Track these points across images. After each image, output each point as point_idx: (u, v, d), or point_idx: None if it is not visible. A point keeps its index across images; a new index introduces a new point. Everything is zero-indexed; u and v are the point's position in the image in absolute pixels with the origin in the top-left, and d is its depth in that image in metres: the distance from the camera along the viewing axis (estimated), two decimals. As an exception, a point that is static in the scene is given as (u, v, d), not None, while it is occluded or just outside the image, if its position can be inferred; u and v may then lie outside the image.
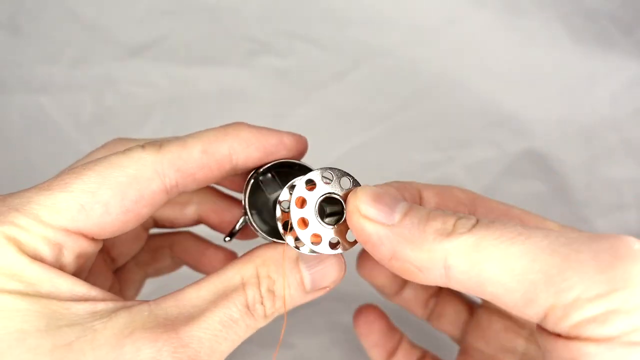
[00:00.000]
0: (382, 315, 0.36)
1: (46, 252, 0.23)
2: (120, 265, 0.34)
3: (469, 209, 0.30)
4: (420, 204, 0.29)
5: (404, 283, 0.36)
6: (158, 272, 0.37)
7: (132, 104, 0.55)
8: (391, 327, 0.36)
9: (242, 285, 0.24)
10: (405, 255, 0.22)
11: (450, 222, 0.22)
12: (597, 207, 0.53)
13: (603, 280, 0.19)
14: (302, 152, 0.29)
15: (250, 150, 0.26)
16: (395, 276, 0.35)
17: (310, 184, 0.25)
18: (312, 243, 0.25)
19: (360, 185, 0.25)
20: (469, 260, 0.21)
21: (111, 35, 0.57)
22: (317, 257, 0.26)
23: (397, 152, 0.55)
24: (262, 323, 0.25)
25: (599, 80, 0.57)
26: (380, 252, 0.23)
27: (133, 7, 0.57)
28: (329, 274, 0.26)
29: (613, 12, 0.57)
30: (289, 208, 0.25)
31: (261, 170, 0.28)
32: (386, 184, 0.28)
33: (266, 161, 0.27)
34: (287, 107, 0.56)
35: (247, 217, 0.28)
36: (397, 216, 0.23)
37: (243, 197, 0.28)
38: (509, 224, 0.22)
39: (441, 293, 0.36)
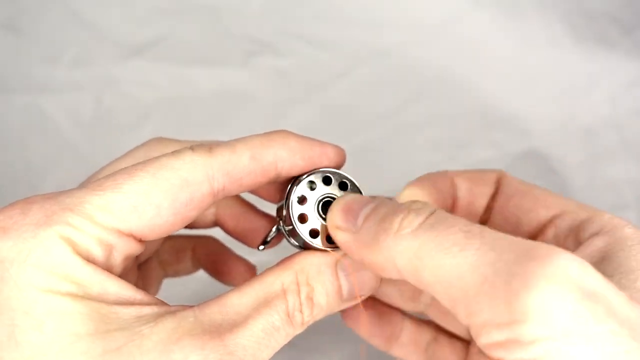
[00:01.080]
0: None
1: (98, 253, 0.23)
2: (142, 262, 0.34)
3: (491, 190, 0.31)
4: (454, 192, 0.31)
5: (393, 334, 0.34)
6: (177, 273, 0.37)
7: (132, 104, 0.55)
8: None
9: (283, 292, 0.24)
10: (366, 259, 0.23)
11: (397, 220, 0.23)
12: (597, 207, 0.53)
13: (507, 311, 0.19)
14: (341, 164, 0.29)
15: (295, 158, 0.27)
16: (382, 327, 0.34)
17: (312, 184, 0.27)
18: (310, 237, 0.26)
19: (358, 188, 0.27)
20: (410, 265, 0.22)
21: (111, 35, 0.57)
22: (354, 265, 0.26)
23: (397, 152, 0.55)
24: (298, 331, 0.25)
25: (599, 80, 0.57)
26: (353, 258, 0.25)
27: (133, 7, 0.57)
28: (366, 283, 0.26)
29: (613, 12, 0.57)
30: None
31: (303, 178, 0.28)
32: (419, 178, 0.29)
33: (307, 170, 0.28)
34: (287, 107, 0.56)
35: (282, 225, 0.28)
36: (359, 222, 0.24)
37: (285, 205, 0.28)
38: (457, 226, 0.21)
39: (438, 338, 0.35)
